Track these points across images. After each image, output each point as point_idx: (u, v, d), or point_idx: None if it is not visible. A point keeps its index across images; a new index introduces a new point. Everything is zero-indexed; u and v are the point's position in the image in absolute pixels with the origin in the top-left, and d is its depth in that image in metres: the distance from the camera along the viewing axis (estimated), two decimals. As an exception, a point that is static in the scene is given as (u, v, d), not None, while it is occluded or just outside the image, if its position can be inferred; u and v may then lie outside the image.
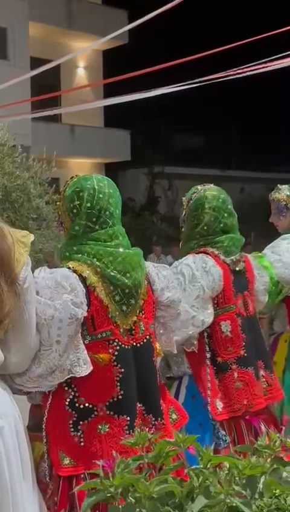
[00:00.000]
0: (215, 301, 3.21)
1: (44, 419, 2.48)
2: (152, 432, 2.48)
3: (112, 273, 2.52)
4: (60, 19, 24.11)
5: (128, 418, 2.52)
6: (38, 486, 2.43)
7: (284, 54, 7.39)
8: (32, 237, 2.40)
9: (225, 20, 34.59)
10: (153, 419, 2.61)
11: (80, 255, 2.54)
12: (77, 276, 2.49)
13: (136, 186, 28.72)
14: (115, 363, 2.52)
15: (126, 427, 2.51)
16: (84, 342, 2.48)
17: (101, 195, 2.61)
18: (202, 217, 3.30)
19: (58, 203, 2.73)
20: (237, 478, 1.60)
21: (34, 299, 2.39)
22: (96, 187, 2.63)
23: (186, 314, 3.04)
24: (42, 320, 2.40)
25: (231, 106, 35.65)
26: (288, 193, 4.19)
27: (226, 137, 34.41)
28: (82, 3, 25.00)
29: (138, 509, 1.52)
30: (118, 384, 2.51)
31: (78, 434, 2.47)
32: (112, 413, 2.50)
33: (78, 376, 2.45)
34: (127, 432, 2.49)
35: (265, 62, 7.61)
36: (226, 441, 3.10)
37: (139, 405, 2.57)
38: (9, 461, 2.22)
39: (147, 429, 2.30)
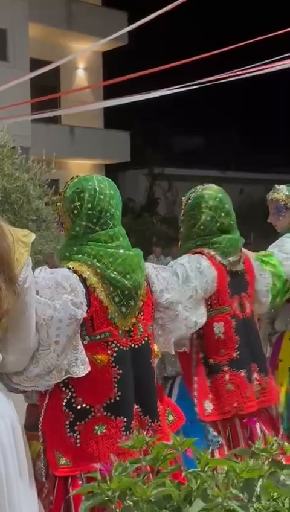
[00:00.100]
0: (209, 302, 3.19)
1: (40, 419, 2.48)
2: (149, 433, 2.48)
3: (112, 274, 2.52)
4: (60, 20, 24.12)
5: (125, 420, 2.52)
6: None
7: (284, 55, 7.39)
8: (33, 236, 2.39)
9: (225, 22, 34.62)
10: (150, 420, 2.61)
11: (80, 256, 2.54)
12: (77, 277, 2.48)
13: (136, 187, 28.72)
14: (113, 364, 2.52)
15: (123, 429, 2.50)
16: (82, 343, 2.48)
17: (102, 196, 2.61)
18: (199, 216, 3.28)
19: (58, 203, 2.72)
20: (235, 481, 1.60)
21: (34, 299, 2.38)
22: (97, 188, 2.62)
23: (180, 314, 3.03)
24: (41, 320, 2.39)
25: (231, 107, 35.67)
26: (287, 193, 4.20)
27: (225, 138, 34.43)
28: (82, 4, 25.02)
29: (135, 513, 1.52)
30: (116, 385, 2.51)
31: (75, 435, 2.47)
32: (109, 414, 2.50)
33: (76, 377, 2.45)
34: (124, 433, 2.49)
35: (265, 64, 7.61)
36: (218, 442, 3.08)
37: (136, 406, 2.57)
38: (6, 461, 2.21)
39: (145, 432, 2.30)
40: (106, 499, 1.52)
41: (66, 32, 24.47)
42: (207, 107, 32.65)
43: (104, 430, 2.48)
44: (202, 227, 3.27)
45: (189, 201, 3.37)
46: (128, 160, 26.95)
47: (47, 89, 18.71)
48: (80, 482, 2.43)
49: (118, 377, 2.52)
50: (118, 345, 2.53)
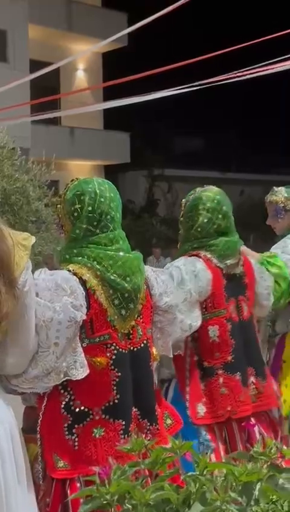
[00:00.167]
0: (204, 305, 3.16)
1: (39, 421, 2.48)
2: (147, 437, 2.48)
3: (112, 277, 2.52)
4: (60, 21, 24.14)
5: (124, 423, 2.52)
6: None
7: (284, 57, 7.39)
8: (33, 240, 2.38)
9: (225, 23, 34.63)
10: (148, 424, 2.61)
11: (80, 258, 2.54)
12: (77, 279, 2.48)
13: (135, 189, 28.73)
14: (112, 367, 2.51)
15: (121, 432, 2.50)
16: (82, 345, 2.48)
17: (102, 199, 2.61)
18: (196, 218, 3.27)
19: (58, 206, 2.72)
20: (233, 484, 1.60)
21: (34, 302, 2.38)
22: (97, 191, 2.62)
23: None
24: (41, 322, 2.39)
25: (231, 108, 35.68)
26: (286, 195, 4.20)
27: (225, 139, 34.44)
28: (82, 5, 25.03)
29: (134, 516, 1.52)
30: (115, 388, 2.51)
31: (73, 438, 2.47)
32: (107, 417, 2.49)
33: (74, 379, 2.44)
34: (122, 436, 2.49)
35: (265, 65, 7.61)
36: (208, 446, 3.05)
37: (134, 409, 2.57)
38: (4, 466, 2.21)
39: (144, 435, 2.30)
40: (104, 502, 1.52)
41: (66, 33, 24.49)
42: (207, 108, 32.67)
43: (102, 433, 2.48)
44: (199, 229, 3.26)
45: (188, 203, 3.36)
46: (128, 162, 26.96)
47: (47, 90, 18.66)
48: (78, 485, 2.43)
49: (117, 379, 2.52)
50: (117, 347, 2.53)
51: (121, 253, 2.57)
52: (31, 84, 18.81)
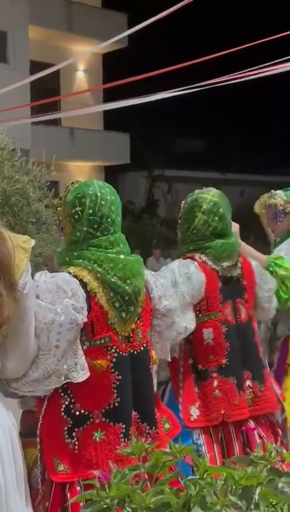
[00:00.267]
0: (198, 308, 3.15)
1: (38, 424, 2.47)
2: (147, 441, 2.47)
3: (113, 280, 2.51)
4: (60, 22, 24.16)
5: (124, 426, 2.51)
6: (30, 493, 2.40)
7: (284, 58, 7.39)
8: (32, 242, 2.38)
9: (225, 24, 34.64)
10: (148, 427, 2.61)
11: (81, 261, 2.53)
12: (78, 282, 2.48)
13: (135, 189, 28.75)
14: (113, 370, 2.51)
15: (121, 435, 2.50)
16: (82, 348, 2.47)
17: (103, 202, 2.61)
18: (192, 220, 3.26)
19: (59, 208, 2.72)
20: (233, 488, 1.61)
21: (34, 305, 2.37)
22: (98, 193, 2.62)
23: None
24: (42, 324, 2.38)
25: (231, 109, 35.67)
26: (285, 198, 4.20)
27: (225, 140, 34.45)
28: (82, 6, 25.05)
29: (134, 520, 1.52)
30: (115, 391, 2.51)
31: (73, 441, 2.46)
32: (107, 420, 2.49)
33: (75, 382, 2.44)
34: (122, 439, 2.49)
35: (266, 66, 7.62)
36: (198, 450, 3.01)
37: (134, 413, 2.57)
38: (4, 469, 2.21)
39: (143, 439, 2.30)
40: (104, 506, 1.52)
41: (66, 34, 24.51)
42: (207, 109, 32.67)
43: (102, 437, 2.48)
44: (195, 232, 3.25)
45: (186, 205, 3.35)
46: (128, 162, 26.97)
47: (47, 91, 18.73)
48: (78, 488, 2.42)
49: (118, 382, 2.52)
50: (118, 350, 2.53)
51: (122, 256, 2.57)
52: (31, 85, 18.80)
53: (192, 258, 3.20)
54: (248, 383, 3.24)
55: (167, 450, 1.78)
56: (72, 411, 2.47)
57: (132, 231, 21.85)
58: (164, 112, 27.44)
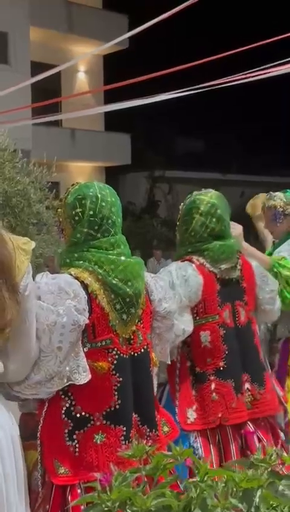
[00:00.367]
0: (195, 311, 3.14)
1: (39, 427, 2.47)
2: (147, 443, 2.46)
3: (114, 281, 2.51)
4: (61, 24, 24.15)
5: (125, 428, 2.51)
6: (30, 496, 2.40)
7: (285, 60, 7.40)
8: (33, 244, 2.37)
9: (226, 26, 34.64)
10: (148, 430, 2.60)
11: (81, 262, 2.53)
12: (79, 283, 2.48)
13: (136, 190, 28.73)
14: (114, 372, 2.51)
15: (122, 438, 2.50)
16: (83, 350, 2.47)
17: (103, 204, 2.61)
18: (190, 222, 3.25)
19: (59, 210, 2.71)
20: (234, 490, 1.61)
21: (35, 306, 2.37)
22: (98, 195, 2.62)
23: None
24: (44, 326, 2.37)
25: (232, 110, 35.67)
26: (284, 199, 4.21)
27: (226, 141, 34.41)
28: (82, 7, 25.05)
29: (135, 523, 1.53)
30: (116, 393, 2.51)
31: (73, 444, 2.46)
32: (108, 422, 2.49)
33: (77, 384, 2.43)
34: (123, 442, 2.48)
35: (266, 68, 7.62)
36: (197, 454, 3.00)
37: (134, 415, 2.57)
38: (5, 474, 2.21)
39: (144, 441, 2.29)
40: (106, 509, 1.53)
41: (67, 35, 24.51)
42: (208, 110, 32.66)
43: (103, 439, 2.47)
44: (192, 233, 3.24)
45: (184, 206, 3.34)
46: (129, 163, 26.97)
47: (48, 92, 18.69)
48: (79, 491, 2.41)
49: (118, 384, 2.51)
50: (119, 352, 2.53)
51: (123, 258, 2.57)
52: (32, 86, 18.78)
53: (190, 261, 3.20)
54: (247, 385, 3.22)
55: (167, 452, 1.79)
56: (73, 413, 2.47)
57: (133, 232, 21.84)
58: (165, 112, 27.45)
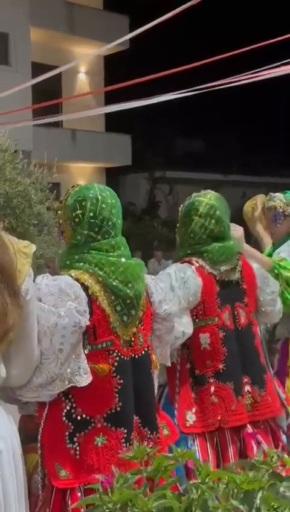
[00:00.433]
0: (195, 313, 3.13)
1: (40, 430, 2.46)
2: (149, 445, 2.46)
3: (114, 283, 2.51)
4: (62, 24, 24.16)
5: (126, 431, 2.50)
6: (30, 499, 2.39)
7: (285, 61, 7.40)
8: (34, 247, 2.37)
9: (227, 27, 34.64)
10: (149, 432, 2.59)
11: (82, 264, 2.53)
12: (79, 285, 2.48)
13: (136, 191, 28.73)
14: (114, 374, 2.50)
15: (123, 440, 2.49)
16: (84, 352, 2.47)
17: (104, 205, 2.60)
18: (189, 223, 3.24)
19: (59, 212, 2.71)
20: (235, 492, 1.62)
21: (36, 310, 2.36)
22: (99, 197, 2.61)
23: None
24: (45, 328, 2.37)
25: (232, 111, 35.66)
26: (284, 200, 4.22)
27: (227, 141, 34.40)
28: (83, 8, 25.05)
29: (136, 524, 1.53)
30: (117, 395, 2.50)
31: (74, 446, 2.45)
32: (109, 425, 2.48)
33: (79, 386, 2.43)
34: (124, 444, 2.48)
35: (267, 69, 7.62)
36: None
37: (135, 418, 2.56)
38: (6, 485, 2.19)
39: (146, 444, 2.30)
40: (107, 511, 1.53)
41: (68, 36, 24.52)
42: (209, 111, 32.64)
43: (104, 442, 2.46)
44: (191, 235, 3.23)
45: (183, 208, 3.34)
46: (130, 164, 26.97)
47: (49, 93, 18.70)
48: (79, 494, 2.41)
49: (119, 387, 2.51)
50: (119, 354, 2.52)
51: (123, 260, 2.57)
52: (33, 87, 18.79)
53: (189, 262, 3.19)
54: (247, 388, 3.20)
55: (168, 454, 1.79)
56: (74, 416, 2.46)
57: (133, 232, 21.86)
58: (165, 113, 27.46)
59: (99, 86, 25.01)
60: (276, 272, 3.76)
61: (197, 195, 3.33)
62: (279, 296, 3.52)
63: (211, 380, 3.13)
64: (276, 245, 4.28)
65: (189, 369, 3.16)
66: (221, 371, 3.14)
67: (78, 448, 2.45)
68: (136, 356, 2.59)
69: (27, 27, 22.55)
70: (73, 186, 2.74)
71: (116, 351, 2.52)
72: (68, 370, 2.41)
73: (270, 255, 4.16)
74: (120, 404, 2.51)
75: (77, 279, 2.49)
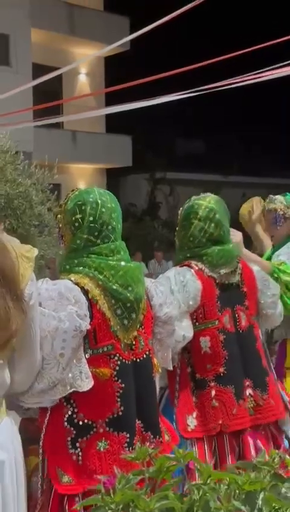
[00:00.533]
0: (195, 316, 3.11)
1: (42, 435, 2.44)
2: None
3: (114, 287, 2.50)
4: (62, 26, 24.18)
5: (128, 435, 2.49)
6: (28, 503, 2.38)
7: (285, 62, 7.40)
8: (36, 251, 2.36)
9: (227, 28, 34.66)
10: (152, 436, 2.58)
11: (82, 268, 2.52)
12: (79, 289, 2.47)
13: (137, 192, 28.73)
14: (116, 378, 2.49)
15: (126, 445, 2.47)
16: (85, 356, 2.46)
17: (104, 210, 2.60)
18: (188, 227, 3.23)
19: (59, 216, 2.70)
20: (237, 493, 1.62)
21: (38, 314, 2.36)
22: (99, 201, 2.61)
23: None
24: (46, 332, 2.36)
25: (233, 112, 35.65)
26: (284, 202, 4.21)
27: (227, 142, 34.39)
28: (84, 9, 25.08)
29: (139, 526, 1.53)
30: (119, 399, 2.49)
31: (77, 452, 2.43)
32: (111, 429, 2.47)
33: (80, 390, 2.42)
34: (127, 449, 2.46)
35: (268, 70, 7.62)
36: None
37: (138, 422, 2.54)
38: (6, 497, 2.19)
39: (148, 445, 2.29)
40: (109, 511, 1.53)
41: (68, 37, 24.54)
42: (209, 112, 32.63)
43: (106, 446, 2.45)
44: (191, 239, 3.22)
45: (182, 211, 3.32)
46: (130, 165, 26.98)
47: (49, 94, 18.73)
48: (76, 499, 2.39)
49: (121, 391, 2.50)
50: (121, 358, 2.51)
51: (122, 263, 2.56)
52: (34, 88, 18.81)
53: (189, 266, 3.17)
54: (249, 391, 3.18)
55: (170, 455, 1.79)
56: (76, 421, 2.44)
57: (134, 233, 21.87)
58: (166, 114, 27.44)
59: (99, 87, 25.01)
60: (275, 276, 3.76)
61: (197, 198, 3.32)
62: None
63: (212, 384, 3.11)
64: (276, 247, 4.28)
65: (189, 373, 3.14)
66: (222, 374, 3.12)
67: (80, 453, 2.44)
68: (138, 360, 2.57)
69: (28, 28, 22.58)
70: (73, 190, 2.73)
71: (117, 354, 2.51)
72: (70, 375, 2.40)
73: (270, 257, 4.16)
74: (122, 408, 2.49)
75: (77, 283, 2.48)
